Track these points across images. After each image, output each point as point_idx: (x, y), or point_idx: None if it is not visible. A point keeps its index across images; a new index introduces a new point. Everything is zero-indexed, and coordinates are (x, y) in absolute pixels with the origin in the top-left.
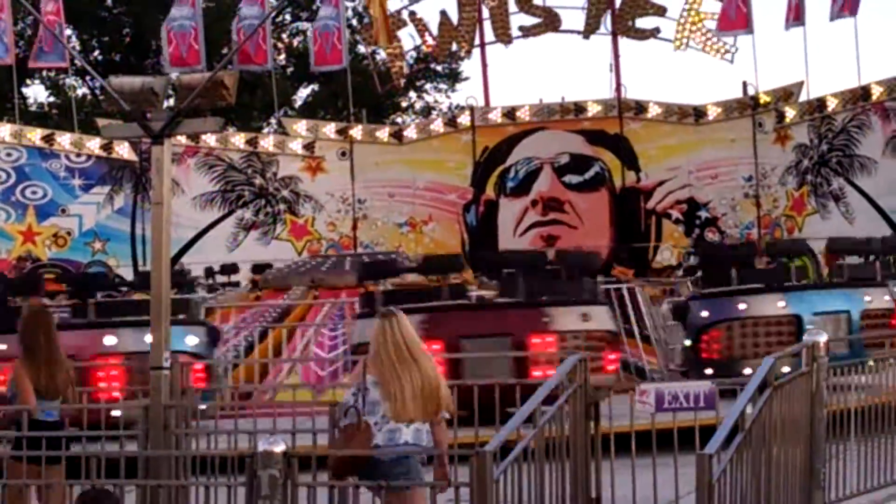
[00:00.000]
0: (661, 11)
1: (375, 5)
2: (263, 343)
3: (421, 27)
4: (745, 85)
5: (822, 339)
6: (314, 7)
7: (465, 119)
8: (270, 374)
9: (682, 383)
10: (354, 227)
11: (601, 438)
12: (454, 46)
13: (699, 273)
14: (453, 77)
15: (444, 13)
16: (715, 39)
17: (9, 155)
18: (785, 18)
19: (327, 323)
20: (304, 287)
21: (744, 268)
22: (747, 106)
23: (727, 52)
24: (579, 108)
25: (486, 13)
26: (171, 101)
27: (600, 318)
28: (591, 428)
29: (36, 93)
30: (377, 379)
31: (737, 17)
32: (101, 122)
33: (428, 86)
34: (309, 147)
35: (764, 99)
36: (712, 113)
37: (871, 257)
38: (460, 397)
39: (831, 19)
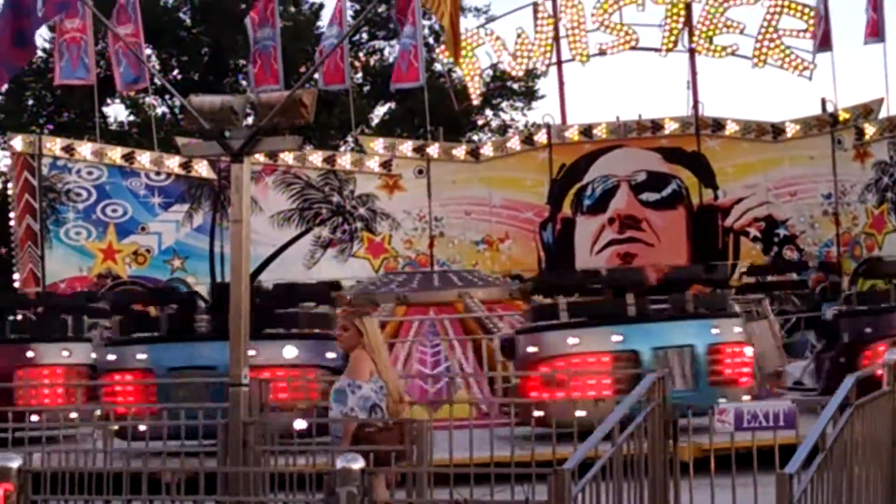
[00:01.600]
0: (739, 28)
1: (445, 19)
2: None
3: (497, 45)
4: (823, 102)
5: None
6: (391, 26)
7: (541, 137)
8: None
9: (762, 402)
10: (431, 245)
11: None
12: (531, 64)
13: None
14: (530, 95)
15: (520, 31)
16: (793, 56)
17: (90, 173)
18: (864, 33)
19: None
20: (391, 303)
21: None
22: (826, 123)
23: (806, 68)
24: (656, 125)
25: (562, 31)
26: (250, 120)
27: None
28: (670, 446)
29: (116, 112)
30: (381, 374)
31: (823, 36)
32: (180, 140)
33: (504, 104)
34: (386, 165)
35: (843, 116)
36: (790, 130)
37: None
38: None
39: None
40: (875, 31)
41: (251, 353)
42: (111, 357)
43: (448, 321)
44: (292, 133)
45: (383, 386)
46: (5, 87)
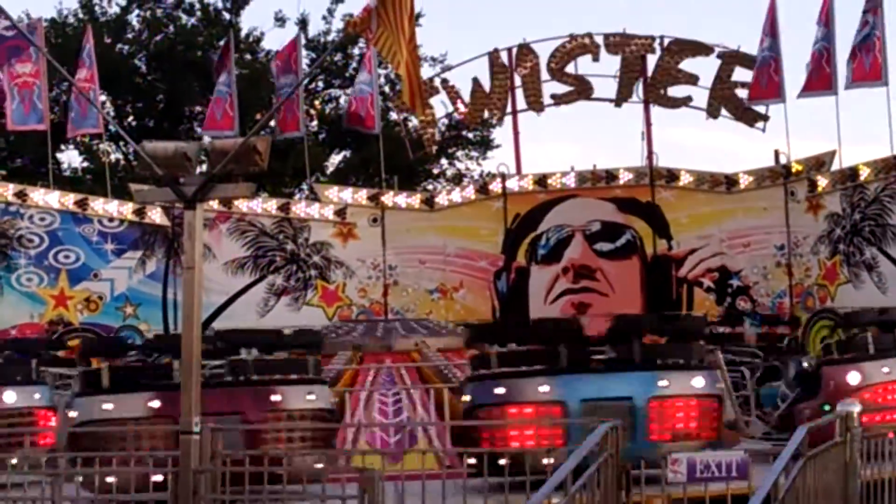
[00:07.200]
0: (693, 80)
1: (402, 68)
2: None
3: (453, 94)
4: (777, 153)
5: (856, 409)
6: (347, 74)
7: (496, 186)
8: (338, 442)
9: (715, 452)
10: (385, 294)
11: None
12: (486, 114)
13: None
14: (485, 144)
15: (476, 80)
16: (746, 108)
17: (42, 219)
18: (803, 85)
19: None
20: (348, 352)
21: None
22: (779, 175)
23: (758, 120)
24: (611, 175)
25: (518, 81)
26: (204, 167)
27: None
28: (623, 496)
29: (70, 158)
30: None
31: (768, 86)
32: (134, 186)
33: (459, 153)
34: (340, 213)
35: (796, 168)
36: (744, 181)
37: None
38: None
39: (845, 87)
40: (828, 84)
41: None
42: None
43: (405, 370)
44: (246, 180)
45: None
46: None
